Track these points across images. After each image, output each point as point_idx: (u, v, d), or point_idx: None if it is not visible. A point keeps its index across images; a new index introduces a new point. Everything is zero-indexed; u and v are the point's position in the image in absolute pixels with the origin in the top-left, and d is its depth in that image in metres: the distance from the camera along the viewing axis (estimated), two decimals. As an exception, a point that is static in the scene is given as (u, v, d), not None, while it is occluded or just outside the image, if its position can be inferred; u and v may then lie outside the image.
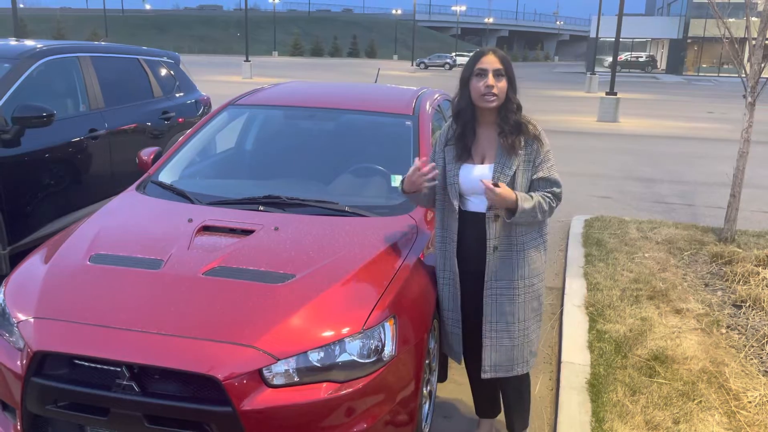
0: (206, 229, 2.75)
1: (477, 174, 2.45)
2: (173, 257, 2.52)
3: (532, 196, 2.39)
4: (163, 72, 6.27)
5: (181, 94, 6.44)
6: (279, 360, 2.12)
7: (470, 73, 2.45)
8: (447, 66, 55.76)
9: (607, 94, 16.80)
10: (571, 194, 7.78)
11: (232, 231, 2.74)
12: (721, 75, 50.85)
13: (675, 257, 5.08)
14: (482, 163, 2.48)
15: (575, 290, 4.35)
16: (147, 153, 3.62)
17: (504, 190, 2.30)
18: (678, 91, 31.80)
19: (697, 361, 3.38)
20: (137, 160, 3.64)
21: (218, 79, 28.28)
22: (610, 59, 51.34)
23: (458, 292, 2.56)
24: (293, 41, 79.07)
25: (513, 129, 2.43)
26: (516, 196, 2.34)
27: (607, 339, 3.60)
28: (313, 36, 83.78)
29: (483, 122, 2.50)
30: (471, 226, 2.50)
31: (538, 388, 3.30)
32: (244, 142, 4.00)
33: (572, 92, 27.45)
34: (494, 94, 2.40)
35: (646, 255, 5.11)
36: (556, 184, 2.47)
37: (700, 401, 3.00)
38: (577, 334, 3.69)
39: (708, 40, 52.71)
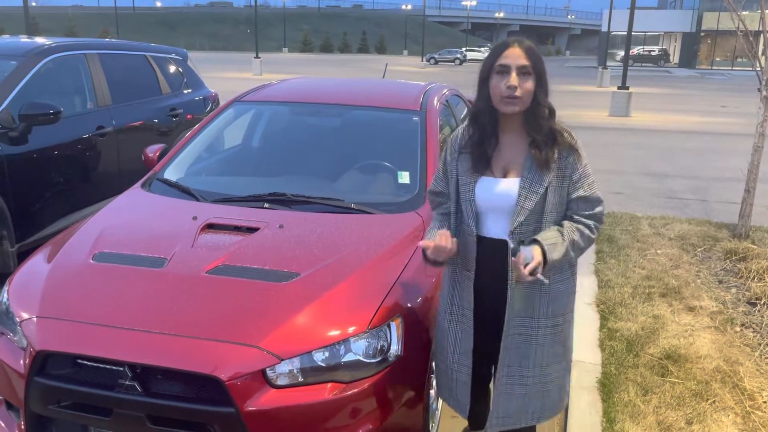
0: (210, 227, 2.73)
1: (500, 190, 2.06)
2: (177, 255, 2.49)
3: (562, 235, 1.99)
4: (171, 69, 6.25)
5: (189, 90, 6.42)
6: (283, 360, 2.09)
7: (490, 69, 2.04)
8: (457, 61, 55.50)
9: (619, 88, 16.63)
10: (582, 190, 7.71)
11: (236, 229, 2.71)
12: (734, 69, 50.25)
13: (688, 254, 5.01)
14: (505, 176, 2.07)
15: (586, 288, 4.29)
16: (152, 150, 3.60)
17: (537, 254, 1.91)
18: (691, 85, 31.46)
19: (711, 360, 3.32)
20: (143, 157, 3.62)
21: (229, 75, 28.31)
22: (621, 53, 50.91)
23: (471, 332, 2.19)
24: (303, 37, 79.07)
25: (548, 139, 2.03)
26: (542, 249, 1.93)
27: (619, 337, 3.54)
28: (323, 32, 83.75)
29: (506, 128, 2.10)
30: (488, 255, 2.11)
31: (548, 388, 3.25)
32: (250, 138, 3.97)
33: (584, 87, 27.22)
34: (516, 97, 1.99)
35: (659, 251, 5.03)
36: (598, 202, 2.07)
37: (714, 401, 2.94)
38: (587, 332, 3.63)
39: (722, 34, 52.10)
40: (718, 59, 53.92)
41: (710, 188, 7.99)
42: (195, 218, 2.78)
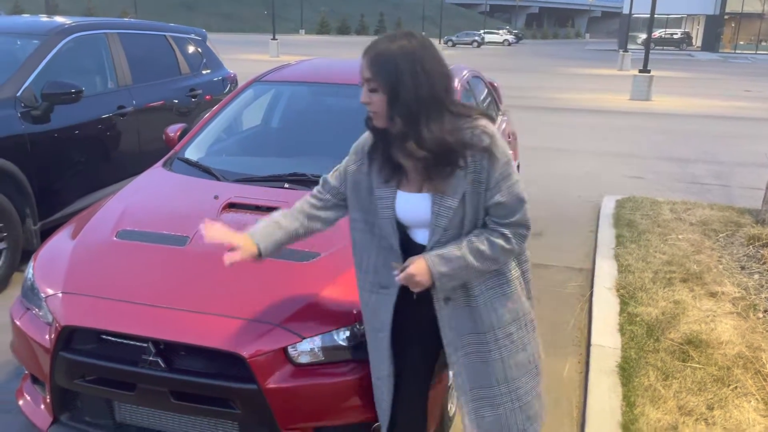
0: (232, 206, 2.74)
1: (415, 206, 1.81)
2: (199, 234, 2.50)
3: (460, 247, 1.76)
4: (190, 49, 6.26)
5: (208, 71, 6.43)
6: (304, 338, 2.10)
7: None
8: (475, 44, 55.00)
9: (640, 71, 16.39)
10: (602, 174, 7.64)
11: (257, 208, 2.72)
12: (759, 52, 49.29)
13: (710, 239, 4.94)
14: (420, 190, 1.80)
15: (606, 272, 4.25)
16: (173, 130, 3.62)
17: (414, 267, 1.74)
18: (714, 68, 30.90)
19: (733, 345, 3.28)
20: (164, 137, 3.63)
21: (246, 57, 28.29)
22: (642, 36, 50.12)
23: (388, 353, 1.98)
24: (320, 19, 78.66)
25: (434, 157, 1.70)
26: (426, 263, 1.74)
27: (639, 322, 3.51)
28: (340, 14, 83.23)
29: None
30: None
31: (567, 371, 3.24)
32: (270, 118, 3.97)
33: (604, 70, 26.85)
34: (374, 112, 1.72)
35: (680, 237, 4.97)
36: (518, 207, 1.77)
37: (736, 387, 2.92)
38: (607, 316, 3.61)
39: (746, 16, 51.03)
40: (741, 42, 52.87)
41: (733, 173, 7.87)
42: (216, 197, 2.79)
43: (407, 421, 2.04)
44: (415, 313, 1.94)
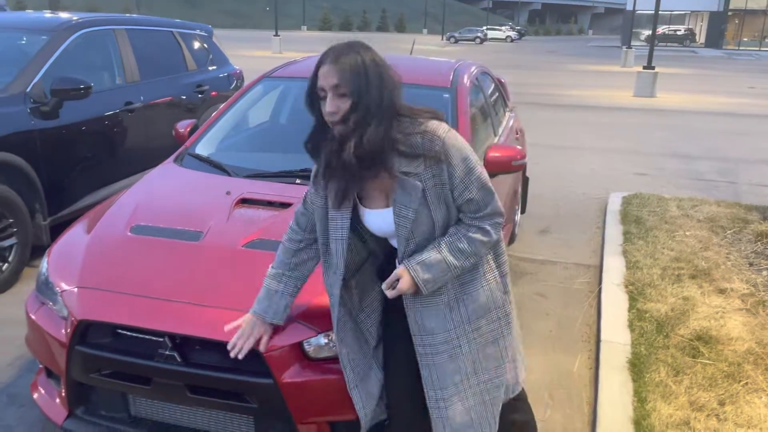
0: (244, 201, 2.75)
1: (379, 222, 1.85)
2: (213, 229, 2.52)
3: (439, 250, 1.77)
4: (197, 45, 6.26)
5: (214, 67, 6.43)
6: (320, 333, 2.11)
7: (313, 92, 1.73)
8: (478, 40, 54.89)
9: (644, 68, 16.35)
10: (607, 171, 7.63)
11: (269, 204, 2.73)
12: (762, 49, 49.13)
13: (717, 236, 4.94)
14: (387, 206, 1.82)
15: (614, 268, 4.26)
16: (183, 125, 3.62)
17: (402, 281, 1.76)
18: (717, 65, 30.83)
19: (743, 342, 3.28)
20: (174, 133, 3.63)
21: (249, 53, 28.27)
22: (645, 33, 49.94)
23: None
24: (322, 15, 78.54)
25: (342, 173, 1.72)
26: (408, 271, 1.76)
27: (648, 318, 3.52)
28: (342, 10, 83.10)
29: None
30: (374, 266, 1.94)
31: (577, 367, 3.25)
32: (280, 114, 3.97)
33: (607, 67, 26.79)
34: (340, 121, 1.69)
35: (687, 233, 4.97)
36: (488, 200, 1.79)
37: (747, 383, 2.92)
38: (616, 312, 3.62)
39: (750, 13, 50.87)
40: (745, 39, 52.73)
41: (738, 170, 7.86)
42: (228, 193, 2.79)
43: (405, 421, 2.03)
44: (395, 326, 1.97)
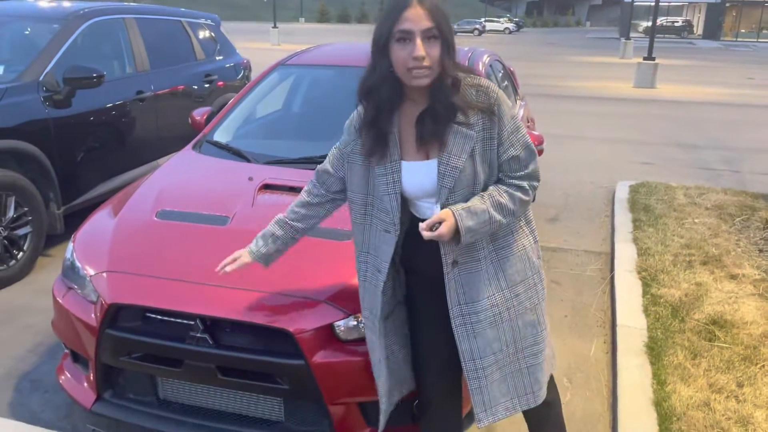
0: (267, 187, 2.76)
1: (422, 174, 1.77)
2: (239, 214, 2.54)
3: (483, 200, 1.72)
4: (205, 34, 6.25)
5: (221, 57, 6.42)
6: (350, 315, 2.13)
7: (388, 35, 1.65)
8: (476, 32, 54.77)
9: (644, 59, 16.35)
10: (613, 160, 7.65)
11: (291, 189, 2.74)
12: (760, 40, 49.12)
13: (726, 223, 4.97)
14: (427, 158, 1.76)
15: (626, 255, 4.28)
16: (200, 113, 3.63)
17: (445, 225, 1.66)
18: (715, 56, 30.82)
19: (757, 326, 3.32)
20: (190, 120, 3.64)
21: (247, 45, 28.12)
22: (643, 24, 49.88)
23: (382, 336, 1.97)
24: (320, 7, 78.23)
25: (448, 111, 1.70)
26: (453, 216, 1.68)
27: (663, 303, 3.54)
28: (340, 2, 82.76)
29: (409, 104, 1.77)
30: (413, 249, 1.87)
31: (594, 351, 3.28)
32: (297, 101, 3.98)
33: (606, 58, 26.76)
34: (426, 67, 1.63)
35: (696, 220, 5.00)
36: (531, 158, 1.79)
37: (764, 365, 2.95)
38: (630, 298, 3.64)
39: (747, 4, 50.86)
40: (743, 31, 52.76)
41: (743, 159, 7.89)
42: (251, 179, 2.81)
43: (439, 400, 2.03)
44: (420, 289, 1.95)
